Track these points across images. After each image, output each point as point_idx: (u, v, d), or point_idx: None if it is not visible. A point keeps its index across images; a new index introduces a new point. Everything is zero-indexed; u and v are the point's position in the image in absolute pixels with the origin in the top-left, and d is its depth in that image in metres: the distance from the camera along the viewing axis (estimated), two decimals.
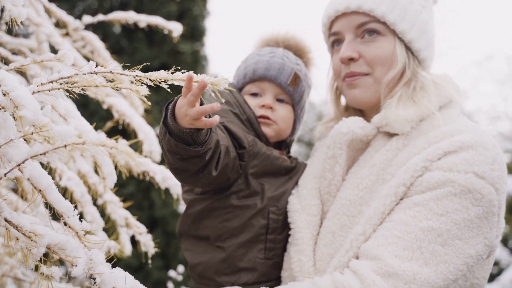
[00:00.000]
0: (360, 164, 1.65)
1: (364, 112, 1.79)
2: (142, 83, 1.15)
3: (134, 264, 5.50)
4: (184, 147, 1.35)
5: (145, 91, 1.18)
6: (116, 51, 7.01)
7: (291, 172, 1.76)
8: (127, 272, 1.07)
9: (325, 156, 1.67)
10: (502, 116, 15.27)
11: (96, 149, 1.29)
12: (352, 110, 1.84)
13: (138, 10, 5.31)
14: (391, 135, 1.64)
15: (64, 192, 1.75)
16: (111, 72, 1.17)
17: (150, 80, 1.15)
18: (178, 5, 6.92)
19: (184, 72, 1.16)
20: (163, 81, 1.15)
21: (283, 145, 1.85)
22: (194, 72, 1.18)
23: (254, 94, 1.77)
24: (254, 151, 1.66)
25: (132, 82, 1.17)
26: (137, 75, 1.16)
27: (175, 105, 1.32)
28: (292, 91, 1.76)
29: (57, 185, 1.71)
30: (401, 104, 1.62)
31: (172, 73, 1.14)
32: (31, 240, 1.07)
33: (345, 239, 1.55)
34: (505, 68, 17.56)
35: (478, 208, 1.42)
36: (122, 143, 1.29)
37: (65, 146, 1.31)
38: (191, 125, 1.30)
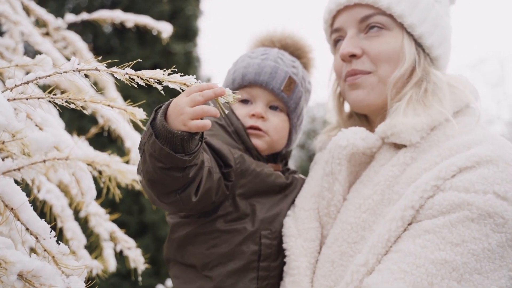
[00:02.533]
0: (363, 181, 1.46)
1: (369, 119, 1.62)
2: (132, 82, 1.02)
3: (122, 270, 5.35)
4: (169, 153, 1.18)
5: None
6: (107, 51, 6.87)
7: (286, 189, 1.58)
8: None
9: (323, 172, 1.49)
10: (494, 120, 15.28)
11: (80, 166, 1.15)
12: (356, 118, 1.66)
13: (130, 9, 5.17)
14: (398, 146, 1.45)
15: (43, 206, 1.61)
16: (96, 69, 1.02)
17: (142, 79, 1.02)
18: (171, 5, 6.81)
19: (182, 75, 1.03)
20: (157, 82, 1.02)
21: (279, 157, 1.67)
22: (186, 73, 1.06)
23: (244, 101, 1.59)
24: (242, 169, 1.48)
25: (118, 80, 1.05)
26: (127, 73, 1.02)
27: (168, 105, 1.20)
28: (286, 98, 1.57)
29: (33, 201, 1.58)
30: (411, 108, 1.44)
31: (169, 74, 1.01)
32: (1, 267, 0.96)
33: (346, 270, 1.36)
34: (498, 71, 17.60)
35: (500, 236, 1.23)
36: (116, 161, 1.14)
37: (44, 161, 1.17)
38: (184, 126, 1.16)
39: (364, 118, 1.64)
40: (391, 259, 1.27)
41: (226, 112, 1.27)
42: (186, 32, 7.03)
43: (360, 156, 1.47)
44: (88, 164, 1.17)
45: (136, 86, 1.03)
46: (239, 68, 1.61)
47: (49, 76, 1.06)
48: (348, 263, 1.37)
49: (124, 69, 1.01)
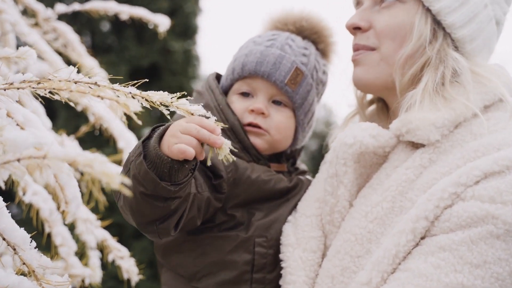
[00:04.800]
0: (373, 185, 1.28)
1: (388, 107, 1.42)
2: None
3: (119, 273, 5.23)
4: (155, 178, 1.07)
5: (136, 106, 0.96)
6: (104, 49, 6.76)
7: (289, 193, 1.42)
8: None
9: (326, 174, 1.32)
10: None
11: (60, 167, 1.03)
12: (377, 104, 1.46)
13: None
14: (416, 146, 1.27)
15: (29, 209, 1.49)
16: (95, 84, 0.93)
17: (146, 101, 0.94)
18: (170, 2, 6.71)
19: (187, 97, 0.97)
20: (163, 106, 0.95)
21: (284, 156, 1.51)
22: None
23: (244, 94, 1.42)
24: (235, 178, 1.33)
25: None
26: (131, 92, 0.93)
27: (167, 128, 1.11)
28: (291, 92, 1.40)
29: (19, 204, 1.47)
30: (427, 100, 1.25)
31: (178, 98, 0.96)
32: None
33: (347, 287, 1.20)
34: None
35: None
36: (100, 161, 1.02)
37: (19, 160, 1.05)
38: (167, 148, 1.07)
39: (385, 106, 1.45)
40: (398, 279, 1.11)
41: (209, 164, 1.13)
42: (185, 30, 6.93)
43: (371, 156, 1.29)
44: (70, 164, 1.05)
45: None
46: (240, 56, 1.44)
47: (39, 83, 0.96)
48: (349, 280, 1.20)
49: (128, 87, 0.94)
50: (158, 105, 0.94)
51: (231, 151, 1.07)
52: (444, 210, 1.12)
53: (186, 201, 1.18)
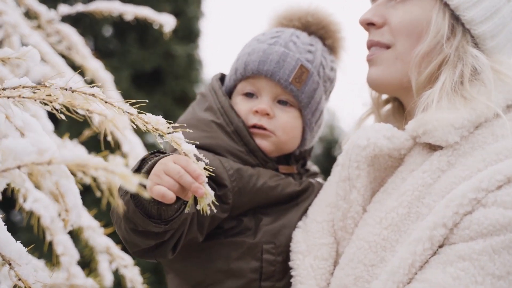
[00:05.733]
0: (388, 190, 1.23)
1: (404, 105, 1.37)
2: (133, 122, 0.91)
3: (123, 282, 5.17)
4: (143, 218, 1.05)
5: (125, 123, 0.91)
6: (107, 53, 6.74)
7: (299, 197, 1.37)
8: None
9: (338, 178, 1.27)
10: None
11: (66, 173, 0.98)
12: (393, 103, 1.40)
13: None
14: (433, 148, 1.21)
15: (30, 217, 1.43)
16: (93, 95, 0.89)
17: (144, 124, 0.90)
18: (172, 6, 6.68)
19: (185, 128, 0.96)
20: (159, 134, 0.91)
21: (293, 157, 1.46)
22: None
23: (248, 95, 1.38)
24: (240, 187, 1.28)
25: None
26: (128, 112, 0.89)
27: (155, 163, 1.06)
28: (296, 91, 1.35)
29: (19, 211, 1.41)
30: (445, 100, 1.19)
31: (170, 123, 0.93)
32: None
33: None
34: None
35: None
36: (115, 163, 0.97)
37: (19, 167, 1.00)
38: (148, 188, 1.02)
39: (401, 105, 1.40)
40: None
41: (188, 211, 1.10)
42: (188, 34, 6.91)
43: (386, 158, 1.24)
44: (80, 169, 0.99)
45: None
46: (243, 55, 1.39)
47: (36, 88, 0.91)
48: None
49: (129, 105, 0.90)
50: (153, 130, 0.90)
51: (214, 203, 1.04)
52: (464, 217, 1.07)
53: (183, 226, 1.15)
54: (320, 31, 1.44)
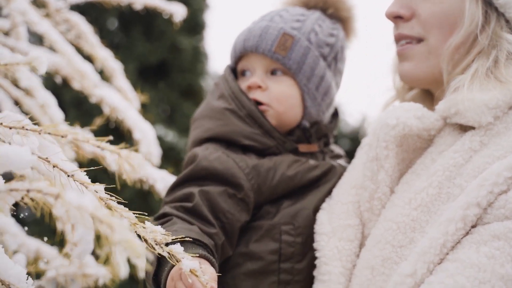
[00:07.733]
0: (417, 170, 1.20)
1: (433, 92, 1.34)
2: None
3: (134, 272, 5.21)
4: None
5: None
6: (112, 46, 6.73)
7: (320, 180, 1.36)
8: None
9: (365, 158, 1.25)
10: None
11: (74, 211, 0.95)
12: (421, 90, 1.38)
13: None
14: (464, 129, 1.19)
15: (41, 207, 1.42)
16: (23, 128, 0.85)
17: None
18: None
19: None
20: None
21: (313, 134, 1.41)
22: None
23: (244, 74, 1.42)
24: (259, 183, 1.30)
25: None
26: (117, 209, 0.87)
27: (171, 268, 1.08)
28: (282, 58, 1.35)
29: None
30: (477, 82, 1.16)
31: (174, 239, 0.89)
32: None
33: (388, 280, 1.13)
34: None
35: None
36: (122, 226, 0.95)
37: (28, 191, 1.00)
38: None
39: (427, 91, 1.38)
40: (446, 270, 1.03)
41: None
42: (193, 27, 6.89)
43: (415, 139, 1.21)
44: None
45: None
46: (235, 38, 1.45)
47: None
48: (391, 271, 1.13)
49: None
50: (150, 247, 0.85)
51: None
52: (499, 196, 1.05)
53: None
54: (320, 4, 1.45)
